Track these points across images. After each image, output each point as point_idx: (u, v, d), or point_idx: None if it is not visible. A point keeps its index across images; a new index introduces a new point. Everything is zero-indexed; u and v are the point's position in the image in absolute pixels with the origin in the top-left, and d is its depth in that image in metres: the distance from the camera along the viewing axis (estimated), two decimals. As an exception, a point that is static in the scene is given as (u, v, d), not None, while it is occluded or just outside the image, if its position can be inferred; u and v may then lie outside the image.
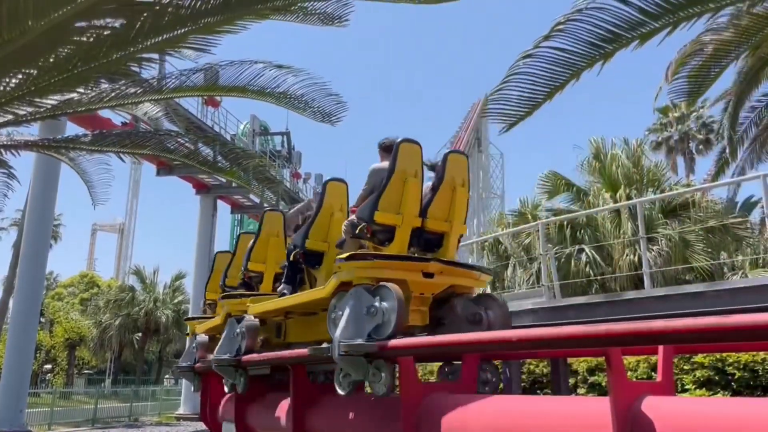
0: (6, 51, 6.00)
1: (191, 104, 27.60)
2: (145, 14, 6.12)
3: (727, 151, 16.04)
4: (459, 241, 5.41)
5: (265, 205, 34.91)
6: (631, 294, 7.55)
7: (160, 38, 6.47)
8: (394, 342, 4.12)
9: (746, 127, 15.35)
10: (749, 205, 24.04)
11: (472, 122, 71.13)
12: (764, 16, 8.00)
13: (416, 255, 5.08)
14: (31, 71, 6.96)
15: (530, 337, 3.30)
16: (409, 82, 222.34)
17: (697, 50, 9.06)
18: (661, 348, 3.65)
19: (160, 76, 9.54)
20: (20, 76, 7.06)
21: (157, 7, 6.03)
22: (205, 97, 26.71)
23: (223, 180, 30.67)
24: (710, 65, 8.75)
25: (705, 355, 9.32)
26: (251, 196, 33.88)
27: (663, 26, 6.58)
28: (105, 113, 21.38)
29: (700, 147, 38.25)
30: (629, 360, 10.23)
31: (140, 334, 47.43)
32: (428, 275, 4.77)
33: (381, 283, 4.41)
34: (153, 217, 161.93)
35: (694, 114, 37.64)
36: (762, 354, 9.14)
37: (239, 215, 53.30)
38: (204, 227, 31.97)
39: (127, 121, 22.96)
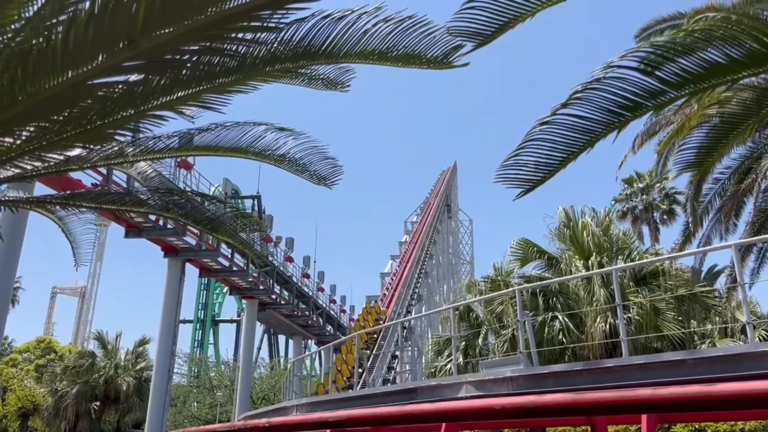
0: (29, 104, 5.98)
1: (163, 166, 27.48)
2: (165, 71, 6.18)
3: (690, 221, 16.41)
4: None
5: (234, 268, 34.45)
6: (611, 362, 7.49)
7: (175, 96, 6.54)
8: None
9: (710, 199, 15.78)
10: (713, 275, 24.51)
11: (441, 188, 72.34)
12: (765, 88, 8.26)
13: None
14: (46, 125, 6.90)
15: (515, 405, 3.23)
16: (379, 146, 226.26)
17: (702, 122, 9.29)
18: (644, 417, 3.60)
19: (165, 135, 9.61)
20: (32, 129, 6.98)
21: (177, 65, 6.10)
22: (179, 160, 26.68)
23: (193, 243, 30.27)
24: (719, 136, 8.96)
25: (684, 425, 9.24)
26: (220, 260, 33.45)
27: (681, 95, 6.83)
28: (75, 174, 21.15)
29: (664, 217, 39.34)
30: (610, 430, 10.08)
31: (98, 403, 45.32)
32: None
33: None
34: (117, 280, 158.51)
35: (658, 185, 38.88)
36: (740, 424, 9.10)
37: (206, 279, 52.39)
38: (171, 291, 31.17)
39: (98, 183, 22.74)
